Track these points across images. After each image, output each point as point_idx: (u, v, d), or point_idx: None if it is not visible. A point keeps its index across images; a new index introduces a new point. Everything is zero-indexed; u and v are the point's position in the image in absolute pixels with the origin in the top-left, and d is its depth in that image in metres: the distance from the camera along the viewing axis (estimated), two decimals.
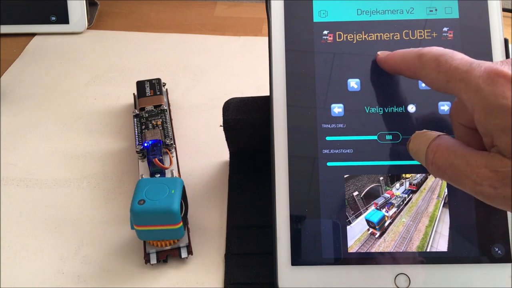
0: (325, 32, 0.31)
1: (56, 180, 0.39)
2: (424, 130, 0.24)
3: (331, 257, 0.28)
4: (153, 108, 0.40)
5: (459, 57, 0.22)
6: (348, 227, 0.29)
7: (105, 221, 0.35)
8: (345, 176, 0.29)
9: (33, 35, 0.55)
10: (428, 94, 0.29)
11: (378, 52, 0.29)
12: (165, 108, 0.40)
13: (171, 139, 0.37)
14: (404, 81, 0.30)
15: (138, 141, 0.38)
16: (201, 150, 0.41)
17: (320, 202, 0.29)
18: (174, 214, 0.29)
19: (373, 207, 0.29)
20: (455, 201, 0.29)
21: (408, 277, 0.28)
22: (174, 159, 0.37)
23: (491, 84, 0.20)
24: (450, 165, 0.21)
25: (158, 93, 0.42)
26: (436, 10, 0.30)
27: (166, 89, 0.45)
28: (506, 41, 0.30)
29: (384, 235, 0.29)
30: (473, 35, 0.30)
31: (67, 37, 0.55)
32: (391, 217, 0.29)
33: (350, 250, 0.28)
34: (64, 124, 0.44)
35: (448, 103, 0.29)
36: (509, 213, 0.28)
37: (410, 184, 0.29)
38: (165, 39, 0.55)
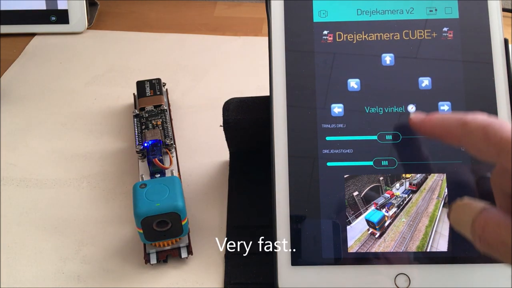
0: (325, 32, 0.31)
1: (56, 180, 0.39)
2: (466, 200, 0.23)
3: (331, 257, 0.28)
4: (153, 108, 0.40)
5: (508, 129, 0.21)
6: (348, 227, 0.29)
7: (105, 221, 0.35)
8: (345, 176, 0.29)
9: (33, 35, 0.55)
10: (428, 94, 0.30)
11: (411, 115, 0.26)
12: (165, 108, 0.40)
13: (171, 139, 0.37)
14: (404, 81, 0.30)
15: (138, 141, 0.38)
16: (201, 150, 0.41)
17: (320, 202, 0.29)
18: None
19: (373, 207, 0.29)
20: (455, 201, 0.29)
21: (408, 277, 0.28)
22: (174, 159, 0.37)
23: None
24: (503, 243, 0.20)
25: (158, 93, 0.42)
26: (436, 10, 0.30)
27: (166, 89, 0.45)
28: (506, 41, 0.30)
29: (384, 235, 0.29)
30: (473, 35, 0.30)
31: (67, 37, 0.55)
32: (391, 217, 0.29)
33: (350, 250, 0.28)
34: (64, 124, 0.44)
35: (448, 103, 0.29)
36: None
37: (410, 184, 0.29)
38: (165, 39, 0.55)
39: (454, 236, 0.28)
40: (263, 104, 0.34)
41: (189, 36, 0.55)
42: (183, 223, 0.31)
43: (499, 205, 0.23)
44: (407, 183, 0.29)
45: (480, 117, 0.22)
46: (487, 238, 0.21)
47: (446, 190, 0.29)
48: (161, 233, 0.31)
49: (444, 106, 0.29)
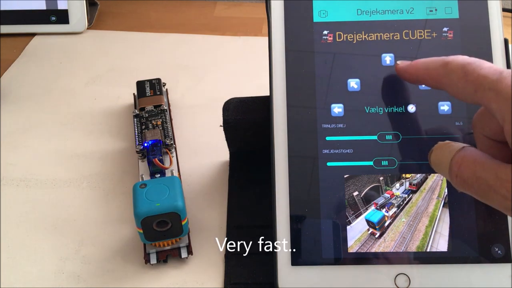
0: (325, 32, 0.31)
1: (56, 180, 0.39)
2: (447, 141, 0.23)
3: (331, 257, 0.28)
4: (153, 108, 0.40)
5: (487, 66, 0.21)
6: (348, 227, 0.29)
7: (105, 221, 0.35)
8: (345, 176, 0.29)
9: (33, 35, 0.55)
10: (428, 94, 0.29)
11: (397, 62, 0.27)
12: (165, 108, 0.40)
13: (171, 139, 0.37)
14: (404, 82, 0.30)
15: (138, 141, 0.38)
16: (201, 150, 0.41)
17: (320, 202, 0.29)
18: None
19: (373, 207, 0.29)
20: (455, 201, 0.29)
21: (408, 277, 0.28)
22: (174, 159, 0.37)
23: None
24: (477, 179, 0.20)
25: (158, 93, 0.42)
26: (436, 10, 0.30)
27: (166, 89, 0.45)
28: (506, 41, 0.30)
29: (384, 235, 0.29)
30: (473, 35, 0.30)
31: (67, 37, 0.55)
32: (391, 217, 0.29)
33: (350, 250, 0.28)
34: (64, 124, 0.44)
35: (449, 103, 0.29)
36: None
37: (410, 184, 0.29)
38: (165, 39, 0.55)
39: (454, 236, 0.28)
40: (263, 104, 0.34)
41: (189, 36, 0.55)
42: (183, 223, 0.31)
43: (480, 148, 0.23)
44: (407, 183, 0.29)
45: (461, 57, 0.22)
46: (463, 174, 0.21)
47: (446, 190, 0.29)
48: (161, 233, 0.31)
49: (444, 106, 0.29)
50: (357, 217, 0.29)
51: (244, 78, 0.48)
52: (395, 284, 0.28)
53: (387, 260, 0.28)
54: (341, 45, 0.30)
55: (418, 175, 0.29)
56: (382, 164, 0.29)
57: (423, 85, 0.26)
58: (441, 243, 0.28)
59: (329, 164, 0.29)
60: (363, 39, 0.30)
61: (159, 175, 0.35)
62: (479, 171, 0.20)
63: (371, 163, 0.29)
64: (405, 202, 0.29)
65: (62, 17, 0.55)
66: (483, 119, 0.23)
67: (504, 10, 0.56)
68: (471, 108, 0.29)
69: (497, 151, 0.22)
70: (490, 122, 0.22)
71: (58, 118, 0.44)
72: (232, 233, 0.34)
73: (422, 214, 0.29)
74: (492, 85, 0.20)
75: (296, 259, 0.28)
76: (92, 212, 0.36)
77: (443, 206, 0.29)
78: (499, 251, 0.28)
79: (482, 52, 0.29)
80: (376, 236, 0.29)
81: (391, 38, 0.30)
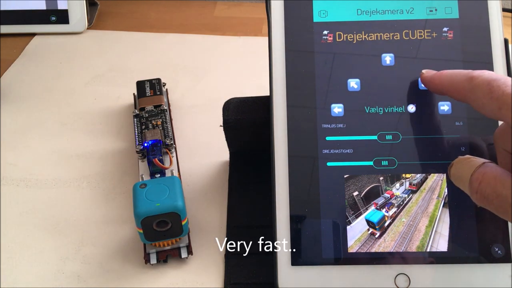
0: (325, 32, 0.31)
1: (56, 180, 0.39)
2: (468, 156, 0.23)
3: (331, 257, 0.28)
4: (153, 108, 0.40)
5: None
6: (348, 227, 0.29)
7: (105, 221, 0.35)
8: (345, 176, 0.29)
9: (33, 35, 0.55)
10: (428, 94, 0.29)
11: (423, 71, 0.28)
12: (165, 108, 0.40)
13: (171, 139, 0.37)
14: (404, 82, 0.30)
15: (138, 141, 0.38)
16: (201, 150, 0.41)
17: (320, 202, 0.29)
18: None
19: (373, 207, 0.29)
20: (455, 201, 0.29)
21: (408, 277, 0.28)
22: (174, 159, 0.37)
23: None
24: (498, 196, 0.20)
25: (158, 93, 0.42)
26: (436, 10, 0.30)
27: (166, 89, 0.45)
28: (506, 41, 0.30)
29: (384, 235, 0.29)
30: (473, 35, 0.30)
31: (67, 37, 0.55)
32: (391, 217, 0.29)
33: (350, 250, 0.28)
34: (64, 124, 0.44)
35: (449, 103, 0.29)
36: None
37: (410, 184, 0.29)
38: (165, 39, 0.55)
39: (454, 236, 0.28)
40: (263, 104, 0.34)
41: (189, 36, 0.55)
42: (183, 223, 0.31)
43: (500, 163, 0.23)
44: (407, 183, 0.29)
45: (486, 73, 0.23)
46: (483, 191, 0.21)
47: (446, 190, 0.29)
48: (161, 233, 0.31)
49: (444, 106, 0.29)
50: (357, 217, 0.29)
51: (244, 78, 0.48)
52: (395, 284, 0.28)
53: (387, 260, 0.28)
54: (341, 45, 0.30)
55: (418, 175, 0.29)
56: (382, 164, 0.29)
57: (447, 95, 0.26)
58: (441, 243, 0.28)
59: (329, 164, 0.29)
60: (363, 39, 0.30)
61: (159, 175, 0.35)
62: (500, 189, 0.20)
63: (371, 163, 0.29)
64: (405, 202, 0.29)
65: (62, 17, 0.55)
66: (505, 134, 0.23)
67: (504, 10, 0.56)
68: (471, 109, 0.29)
69: None
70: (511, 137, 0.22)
71: (58, 118, 0.44)
72: (232, 233, 0.34)
73: (422, 214, 0.29)
74: None
75: (296, 259, 0.28)
76: (92, 212, 0.36)
77: (443, 206, 0.29)
78: (499, 251, 0.28)
79: (482, 52, 0.29)
80: (376, 236, 0.29)
81: (391, 38, 0.30)
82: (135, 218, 0.30)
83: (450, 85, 0.25)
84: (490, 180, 0.21)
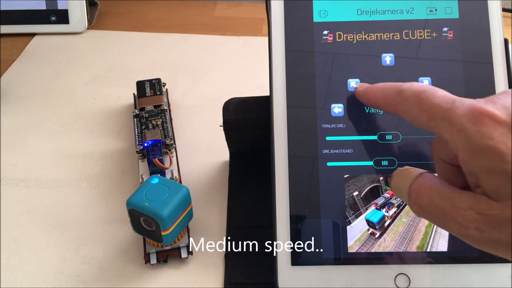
0: (325, 32, 0.31)
1: (56, 180, 0.39)
2: (406, 167, 0.23)
3: (331, 257, 0.28)
4: (153, 108, 0.40)
5: (441, 94, 0.21)
6: (348, 227, 0.29)
7: (105, 221, 0.35)
8: (345, 176, 0.29)
9: (33, 35, 0.55)
10: None
11: (356, 85, 0.28)
12: (165, 108, 0.40)
13: (171, 139, 0.37)
14: (404, 81, 0.30)
15: (138, 141, 0.38)
16: (201, 150, 0.41)
17: (320, 202, 0.29)
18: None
19: (373, 207, 0.29)
20: None
21: (408, 277, 0.28)
22: (174, 159, 0.37)
23: (475, 123, 0.19)
24: (435, 207, 0.20)
25: (158, 93, 0.42)
26: (436, 10, 0.30)
27: (166, 89, 0.45)
28: (506, 41, 0.30)
29: (384, 235, 0.29)
30: (473, 35, 0.30)
31: (67, 37, 0.55)
32: (391, 217, 0.29)
33: (350, 250, 0.28)
34: (64, 124, 0.44)
35: None
36: None
37: None
38: (165, 39, 0.55)
39: (454, 236, 0.28)
40: (263, 104, 0.34)
41: (189, 36, 0.55)
42: (162, 233, 0.30)
43: (439, 173, 0.23)
44: None
45: (415, 85, 0.23)
46: (421, 202, 0.21)
47: None
48: (147, 231, 0.31)
49: None
50: (357, 217, 0.29)
51: (244, 78, 0.48)
52: (395, 284, 0.28)
53: (387, 260, 0.28)
54: (341, 45, 0.30)
55: None
56: (382, 164, 0.29)
57: (380, 109, 0.26)
58: (441, 243, 0.28)
59: (329, 164, 0.29)
60: (363, 39, 0.30)
61: (159, 175, 0.35)
62: (436, 199, 0.20)
63: (371, 163, 0.29)
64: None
65: (62, 17, 0.55)
66: (440, 144, 0.23)
67: (504, 10, 0.56)
68: None
69: (455, 175, 0.22)
70: (446, 147, 0.22)
71: (58, 118, 0.44)
72: (232, 233, 0.34)
73: None
74: (445, 114, 0.20)
75: (296, 259, 0.28)
76: (92, 212, 0.36)
77: None
78: None
79: (482, 52, 0.29)
80: (376, 236, 0.29)
81: (391, 38, 0.30)
82: (126, 204, 0.30)
83: (382, 99, 0.25)
84: (427, 190, 0.21)
